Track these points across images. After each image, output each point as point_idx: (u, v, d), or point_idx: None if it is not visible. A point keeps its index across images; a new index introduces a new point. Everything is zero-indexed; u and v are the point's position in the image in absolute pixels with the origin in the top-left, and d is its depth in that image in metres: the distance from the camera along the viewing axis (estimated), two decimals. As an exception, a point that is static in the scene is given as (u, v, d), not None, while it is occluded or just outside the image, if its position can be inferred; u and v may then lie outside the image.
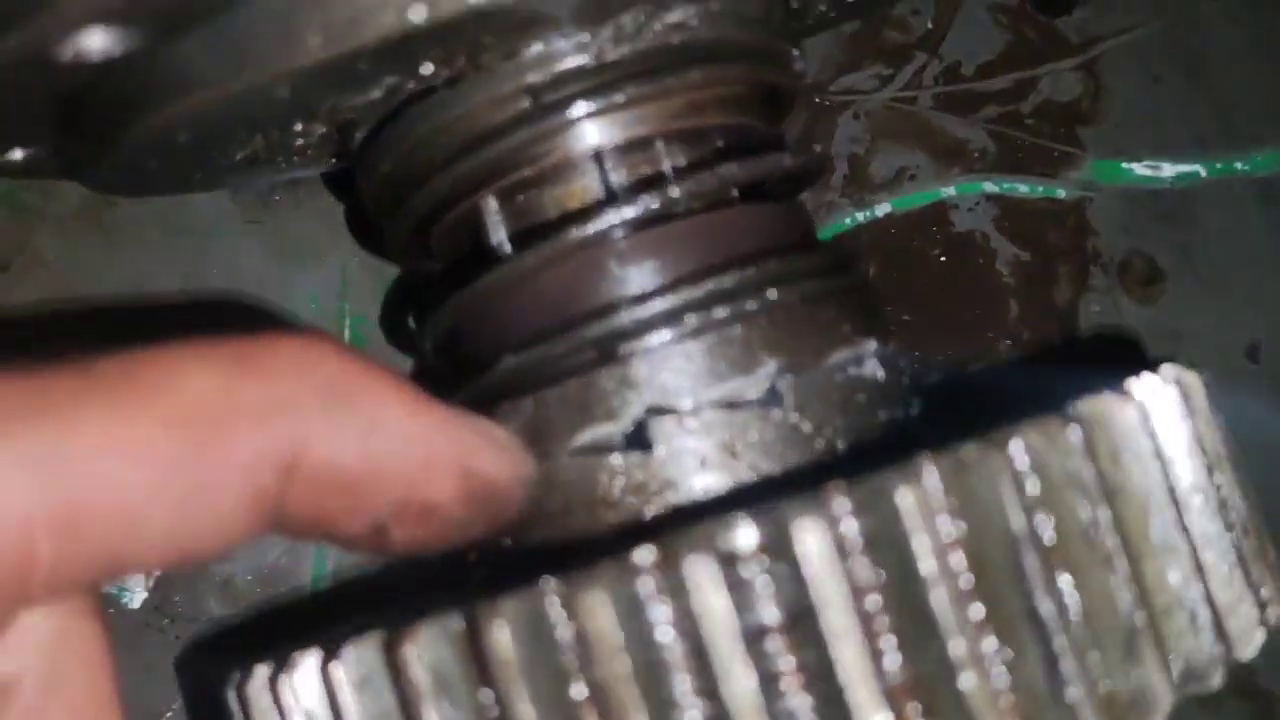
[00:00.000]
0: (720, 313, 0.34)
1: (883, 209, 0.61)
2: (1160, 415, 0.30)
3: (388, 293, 0.54)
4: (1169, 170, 0.63)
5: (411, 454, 0.31)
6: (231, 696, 0.33)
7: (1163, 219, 0.63)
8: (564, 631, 0.27)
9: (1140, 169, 0.64)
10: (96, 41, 0.27)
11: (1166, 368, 0.32)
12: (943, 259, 0.62)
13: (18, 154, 0.39)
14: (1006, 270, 0.62)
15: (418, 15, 0.28)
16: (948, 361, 0.61)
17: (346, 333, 0.55)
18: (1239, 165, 0.64)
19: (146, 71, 0.30)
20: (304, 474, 0.30)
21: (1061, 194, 0.63)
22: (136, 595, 0.54)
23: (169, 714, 0.52)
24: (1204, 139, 0.64)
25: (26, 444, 0.27)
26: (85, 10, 0.26)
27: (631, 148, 0.36)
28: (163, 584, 0.54)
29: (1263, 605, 0.30)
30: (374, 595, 0.47)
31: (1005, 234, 0.62)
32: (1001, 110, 0.62)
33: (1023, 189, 0.63)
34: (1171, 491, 0.30)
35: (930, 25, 0.65)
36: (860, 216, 0.61)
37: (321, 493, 0.30)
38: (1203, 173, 0.64)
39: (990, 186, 0.62)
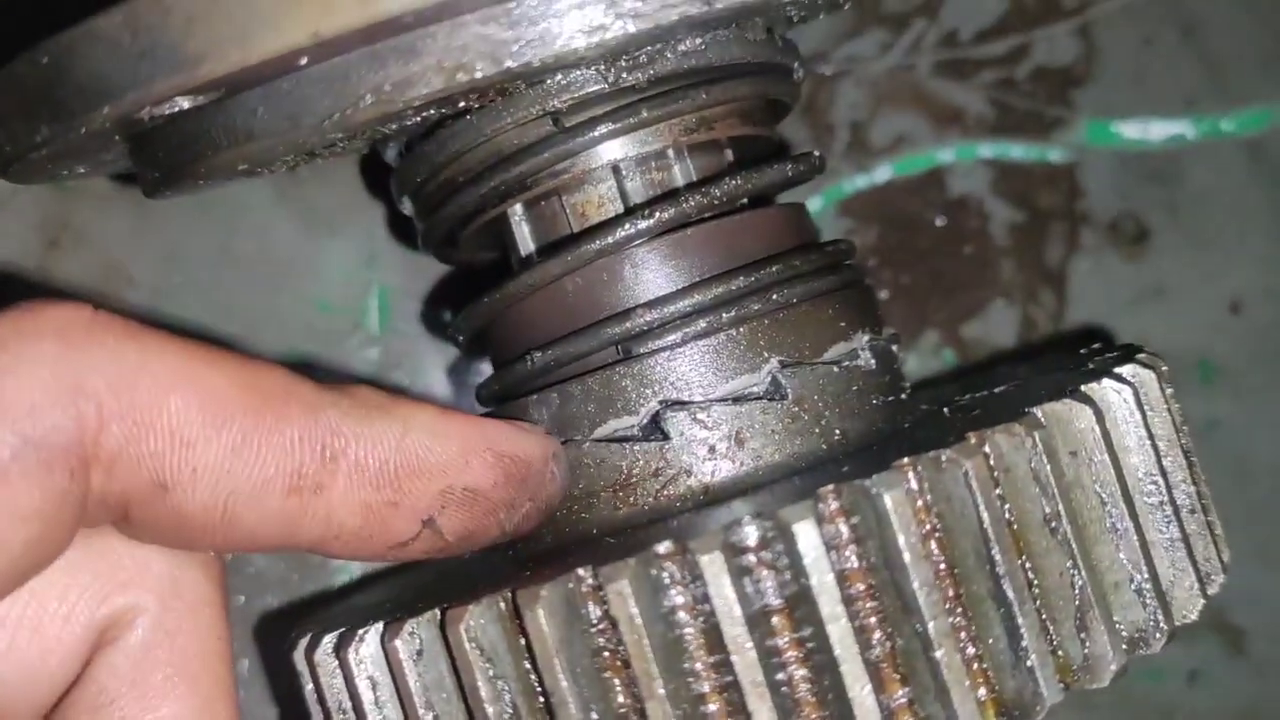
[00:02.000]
0: (727, 315, 0.38)
1: (882, 174, 0.63)
2: (1115, 414, 0.34)
3: (427, 293, 0.57)
4: (1158, 132, 0.65)
5: (445, 446, 0.35)
6: (300, 659, 0.38)
7: (1152, 179, 0.65)
8: (595, 612, 0.31)
9: (1130, 131, 0.65)
10: (175, 105, 0.31)
11: (1125, 368, 0.36)
12: (939, 222, 0.64)
13: (80, 170, 0.43)
14: (1001, 231, 0.64)
15: (465, 76, 0.31)
16: (943, 320, 0.64)
17: (374, 300, 0.58)
18: (1225, 126, 0.66)
19: (212, 122, 0.33)
20: (346, 466, 0.33)
21: (1054, 157, 0.64)
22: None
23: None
24: (1194, 99, 0.65)
25: (115, 353, 0.32)
26: (173, 88, 0.30)
27: (646, 160, 0.40)
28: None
29: (1203, 578, 0.35)
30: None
31: (1000, 196, 0.64)
32: (997, 75, 0.64)
33: (1016, 153, 0.64)
34: (1122, 481, 0.34)
35: (929, -8, 0.66)
36: (860, 181, 0.64)
37: (365, 486, 0.34)
38: (1190, 134, 0.65)
39: (985, 151, 0.64)
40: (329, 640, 0.36)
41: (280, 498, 0.33)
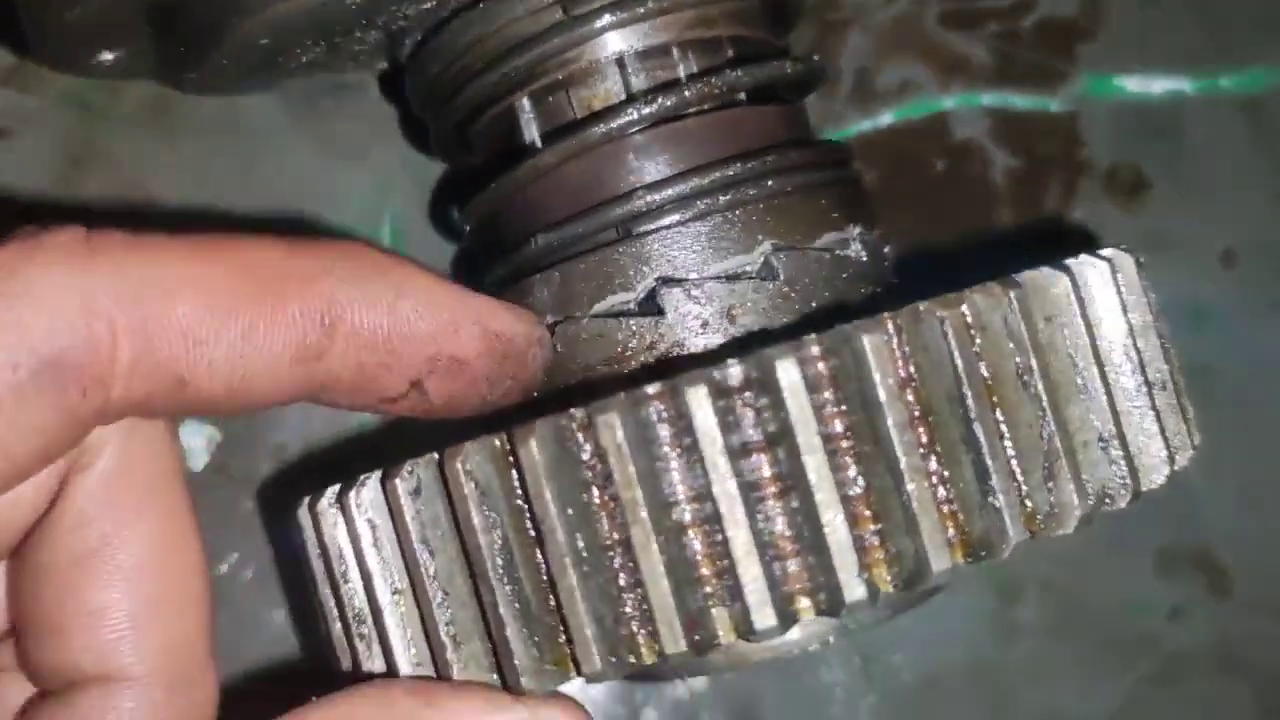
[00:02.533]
0: (723, 199, 0.40)
1: (886, 119, 0.65)
2: (1092, 286, 0.36)
3: (434, 188, 0.59)
4: (1158, 87, 0.66)
5: (437, 315, 0.37)
6: (303, 514, 0.39)
7: (1151, 132, 0.66)
8: (585, 446, 0.33)
9: (1131, 85, 0.66)
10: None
11: (1104, 250, 0.38)
12: (941, 166, 0.65)
13: (107, 56, 0.44)
14: (1000, 178, 0.65)
15: None
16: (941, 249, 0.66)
17: (386, 226, 0.60)
18: (1224, 83, 0.67)
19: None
20: (343, 331, 0.36)
21: (1055, 107, 0.65)
22: (199, 459, 0.60)
23: (225, 565, 0.58)
24: (1195, 56, 0.66)
25: (119, 269, 0.33)
26: None
27: (650, 54, 0.42)
28: (224, 448, 0.60)
29: (1172, 449, 0.36)
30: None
31: (1000, 143, 0.65)
32: (1002, 27, 0.65)
33: (1018, 102, 0.65)
34: (1095, 348, 0.35)
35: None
36: (865, 126, 0.65)
37: (360, 348, 0.36)
38: (1189, 89, 0.66)
39: (987, 99, 0.65)
40: (331, 491, 0.38)
41: (287, 367, 0.36)
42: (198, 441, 0.60)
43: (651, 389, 0.33)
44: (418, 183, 0.60)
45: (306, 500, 0.39)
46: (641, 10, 0.40)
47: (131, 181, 0.59)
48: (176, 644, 0.37)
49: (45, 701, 0.37)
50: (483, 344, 0.38)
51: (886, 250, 0.44)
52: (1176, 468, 0.36)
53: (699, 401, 0.32)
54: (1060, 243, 0.66)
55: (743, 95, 0.42)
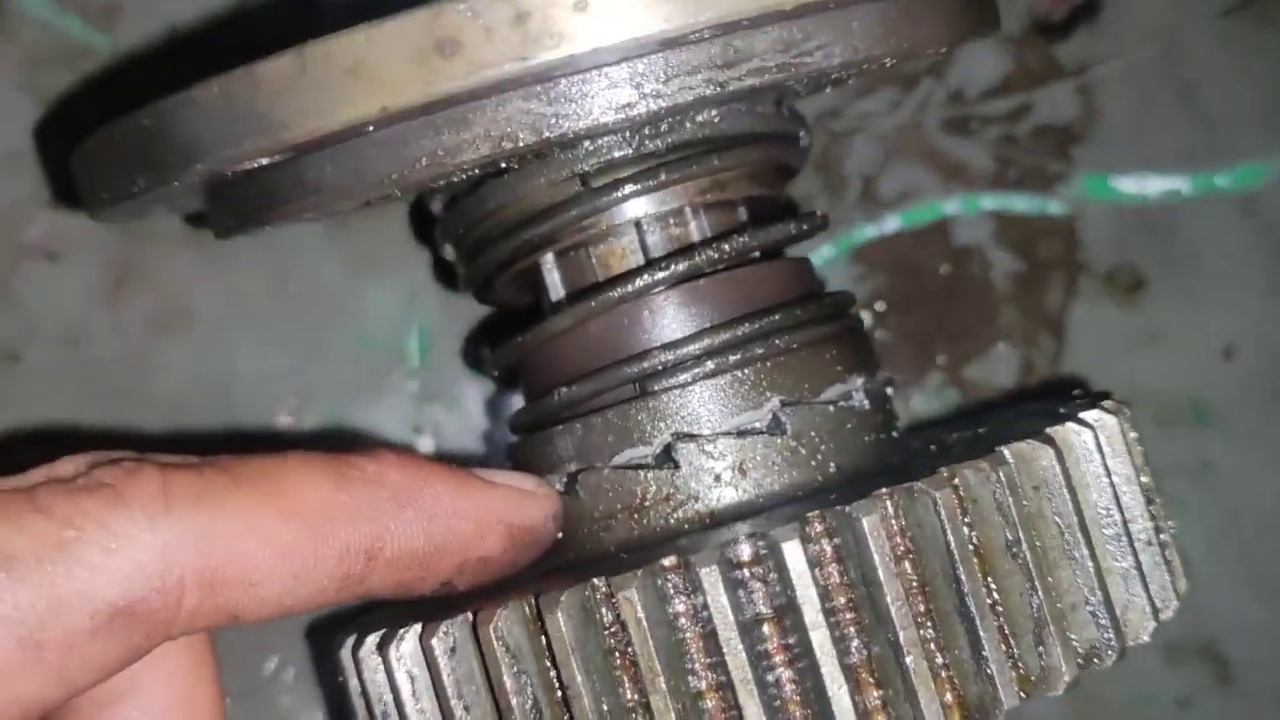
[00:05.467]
0: (734, 357, 0.43)
1: (892, 224, 0.67)
2: (1076, 454, 0.38)
3: (469, 332, 0.62)
4: (1155, 187, 0.68)
5: (465, 526, 0.41)
6: (346, 656, 0.42)
7: (1148, 231, 0.68)
8: (607, 616, 0.36)
9: (1127, 186, 0.68)
10: (256, 162, 0.36)
11: (1089, 413, 0.40)
12: (944, 270, 0.67)
13: (156, 209, 0.48)
14: (1002, 279, 0.67)
15: (508, 144, 0.36)
16: (947, 362, 0.68)
17: (415, 334, 0.63)
18: (1220, 182, 0.68)
19: (286, 176, 0.39)
20: (383, 560, 0.39)
21: (1054, 210, 0.67)
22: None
23: (270, 666, 0.61)
24: (1190, 155, 0.68)
25: (191, 523, 0.36)
26: (257, 149, 0.35)
27: (665, 217, 0.45)
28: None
29: (1156, 604, 0.39)
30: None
31: (1002, 246, 0.67)
32: (1001, 132, 0.68)
33: (1019, 205, 0.68)
34: (1080, 514, 0.38)
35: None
36: (870, 231, 0.67)
37: (398, 570, 0.40)
38: (1186, 189, 0.68)
39: (988, 203, 0.67)
40: (372, 639, 0.41)
41: (331, 594, 0.39)
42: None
43: (667, 562, 0.36)
44: (444, 295, 0.63)
45: (350, 643, 0.42)
46: (655, 182, 0.43)
47: (171, 298, 0.62)
48: None
49: None
50: (507, 540, 0.42)
51: (889, 392, 0.46)
52: (1161, 620, 0.39)
53: (712, 579, 0.35)
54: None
55: (754, 253, 0.45)
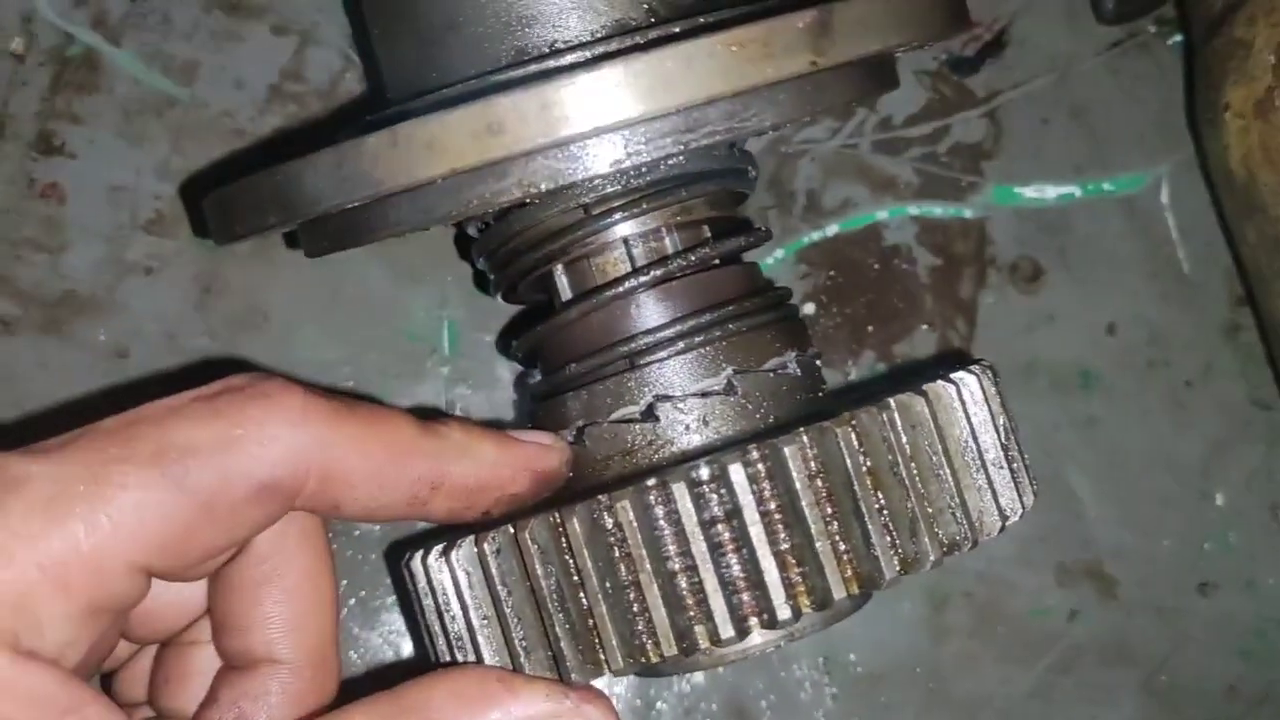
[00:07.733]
0: (698, 339, 0.52)
1: (832, 229, 0.74)
2: (943, 401, 0.52)
3: (500, 328, 0.70)
4: (1052, 193, 0.75)
5: (502, 472, 0.50)
6: (416, 564, 0.52)
7: (1046, 230, 0.75)
8: (609, 522, 0.47)
9: (1029, 193, 0.75)
10: (353, 205, 0.50)
11: (956, 373, 0.54)
12: (876, 266, 0.74)
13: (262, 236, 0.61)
14: (924, 273, 0.74)
15: (534, 189, 0.48)
16: (878, 343, 0.77)
17: (445, 334, 0.70)
18: (1107, 187, 0.76)
19: (371, 214, 0.52)
20: (444, 491, 0.49)
21: (968, 214, 0.74)
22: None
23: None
24: (1081, 166, 0.75)
25: (318, 433, 0.46)
26: (358, 197, 0.48)
27: (647, 235, 0.54)
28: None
29: (1003, 511, 0.52)
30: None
31: (924, 246, 0.74)
32: (923, 150, 0.74)
33: (938, 211, 0.75)
34: (945, 445, 0.51)
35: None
36: (814, 236, 0.74)
37: (452, 499, 0.49)
38: (1078, 194, 0.75)
39: (913, 210, 0.74)
40: (438, 548, 0.51)
41: (402, 508, 0.49)
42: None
43: (650, 483, 0.49)
44: (468, 299, 0.70)
45: (419, 554, 0.55)
46: (638, 210, 0.54)
47: (250, 303, 0.69)
48: (317, 640, 0.49)
49: (231, 673, 0.49)
50: (532, 481, 0.51)
51: (818, 363, 0.60)
52: (1010, 523, 0.53)
53: (681, 492, 0.49)
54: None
55: (716, 260, 0.59)
